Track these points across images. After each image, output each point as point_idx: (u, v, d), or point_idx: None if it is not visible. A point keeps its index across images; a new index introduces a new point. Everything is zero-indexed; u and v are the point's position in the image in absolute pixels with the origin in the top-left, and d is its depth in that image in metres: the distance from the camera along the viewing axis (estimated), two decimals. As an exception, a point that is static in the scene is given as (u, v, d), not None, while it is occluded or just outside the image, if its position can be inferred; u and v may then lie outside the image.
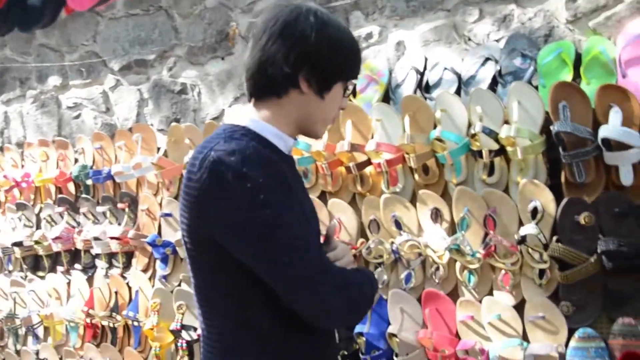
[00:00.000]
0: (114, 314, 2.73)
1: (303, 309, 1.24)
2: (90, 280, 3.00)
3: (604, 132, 1.92)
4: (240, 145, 1.22)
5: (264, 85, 1.32)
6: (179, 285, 2.67)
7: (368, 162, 2.32)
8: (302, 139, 2.39)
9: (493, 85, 2.23)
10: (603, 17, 2.13)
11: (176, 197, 2.75)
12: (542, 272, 2.04)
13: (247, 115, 1.34)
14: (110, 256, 2.92)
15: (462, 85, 2.27)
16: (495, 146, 2.11)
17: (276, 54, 1.28)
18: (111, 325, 2.76)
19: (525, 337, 2.02)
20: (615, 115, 1.93)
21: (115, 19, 3.18)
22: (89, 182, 2.99)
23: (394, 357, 2.27)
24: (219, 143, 1.23)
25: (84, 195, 3.05)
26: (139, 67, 3.14)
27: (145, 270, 2.79)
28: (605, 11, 2.12)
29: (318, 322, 1.28)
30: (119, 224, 2.89)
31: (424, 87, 2.33)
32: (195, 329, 2.53)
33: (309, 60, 1.28)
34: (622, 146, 1.92)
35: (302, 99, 1.31)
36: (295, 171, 1.45)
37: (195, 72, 2.98)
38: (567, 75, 2.11)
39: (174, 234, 2.66)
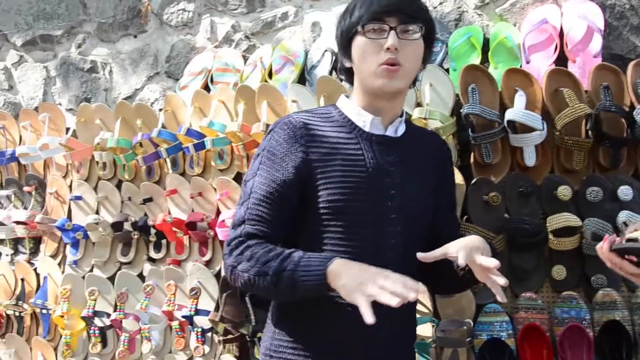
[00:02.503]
0: (20, 302, 2.61)
1: None
2: (-6, 268, 2.84)
3: (509, 114, 2.00)
4: (280, 120, 1.45)
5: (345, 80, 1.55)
6: (91, 270, 2.58)
7: (284, 144, 2.31)
8: (216, 119, 2.36)
9: (406, 68, 2.26)
10: (508, 4, 2.21)
11: (87, 180, 2.64)
12: (451, 250, 2.10)
13: (348, 98, 1.51)
14: (16, 242, 2.78)
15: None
16: (408, 128, 2.15)
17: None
18: (17, 314, 2.63)
19: (436, 315, 2.09)
20: (519, 99, 2.01)
21: (17, -9, 3.00)
22: (-8, 163, 2.82)
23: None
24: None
25: (-15, 178, 2.88)
26: (45, 43, 2.98)
27: (54, 256, 2.68)
28: (510, -2, 2.20)
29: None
30: (25, 208, 2.76)
31: (339, 69, 2.33)
32: (108, 315, 2.46)
33: (338, 44, 1.49)
34: (525, 128, 2.01)
35: (355, 72, 1.46)
36: (376, 146, 1.44)
37: (106, 50, 2.87)
38: (476, 59, 2.17)
39: (84, 218, 2.56)
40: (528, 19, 2.16)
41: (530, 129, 1.99)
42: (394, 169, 1.44)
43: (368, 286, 1.18)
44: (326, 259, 1.27)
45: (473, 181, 2.06)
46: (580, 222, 1.95)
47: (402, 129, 1.49)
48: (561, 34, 2.11)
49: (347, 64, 1.47)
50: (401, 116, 1.50)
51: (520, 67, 2.12)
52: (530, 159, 2.02)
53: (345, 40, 1.44)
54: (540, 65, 2.10)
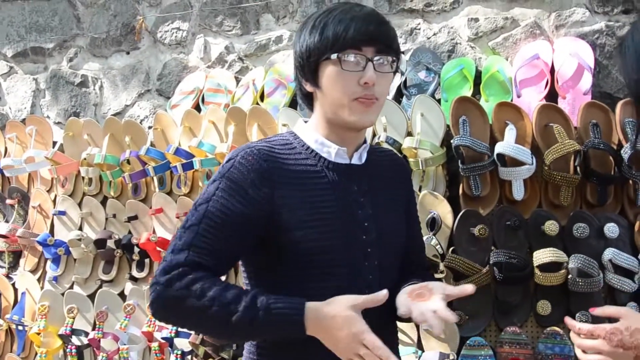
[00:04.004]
0: (-4, 317, 2.56)
1: None
2: (-29, 281, 2.78)
3: (499, 148, 2.00)
4: (239, 149, 1.30)
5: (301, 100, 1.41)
6: (71, 287, 2.53)
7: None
8: (206, 140, 2.34)
9: (398, 97, 2.28)
10: (501, 38, 2.23)
11: (71, 195, 2.61)
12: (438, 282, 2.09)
13: (307, 124, 1.39)
14: (-5, 255, 2.73)
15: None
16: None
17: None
18: (-8, 329, 2.58)
19: (419, 346, 2.07)
20: (510, 133, 2.02)
21: (10, 1, 2.98)
22: (-25, 175, 2.78)
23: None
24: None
25: (-32, 189, 2.84)
26: (36, 56, 2.96)
27: (34, 271, 2.63)
28: (503, 32, 2.23)
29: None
30: (7, 221, 2.71)
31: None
32: (86, 334, 2.41)
33: (297, 66, 1.35)
34: (515, 162, 2.01)
35: (318, 100, 1.34)
36: (342, 177, 1.33)
37: (97, 65, 2.85)
38: (468, 91, 2.19)
39: (67, 233, 2.52)
40: (520, 54, 2.18)
41: (520, 163, 2.00)
42: (364, 199, 1.34)
43: (348, 354, 1.17)
44: (295, 307, 1.19)
45: (461, 213, 2.06)
46: (567, 257, 1.95)
47: (365, 155, 1.40)
48: (552, 70, 2.13)
49: (309, 88, 1.34)
50: (364, 143, 1.40)
51: (512, 100, 2.14)
52: (518, 193, 2.03)
53: (312, 64, 1.29)
54: (531, 100, 2.12)
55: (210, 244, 1.23)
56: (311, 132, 1.36)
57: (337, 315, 1.18)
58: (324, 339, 1.20)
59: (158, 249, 2.33)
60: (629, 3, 2.14)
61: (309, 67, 1.30)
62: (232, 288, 1.21)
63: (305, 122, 1.40)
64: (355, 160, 1.37)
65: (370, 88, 1.27)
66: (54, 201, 2.64)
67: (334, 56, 1.26)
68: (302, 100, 1.39)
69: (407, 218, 1.47)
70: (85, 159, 2.50)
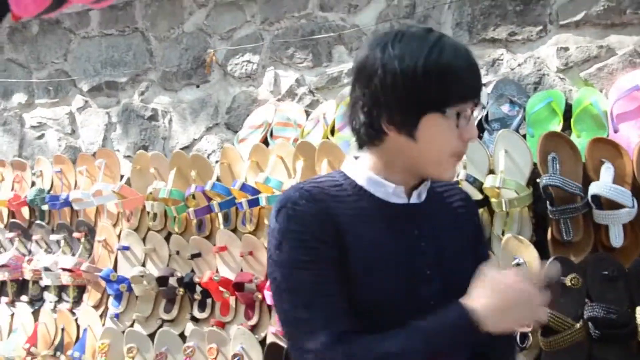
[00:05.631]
0: (58, 353, 2.52)
1: None
2: (36, 314, 2.78)
3: (594, 188, 1.81)
4: (288, 195, 1.14)
5: (356, 136, 1.18)
6: (132, 325, 2.47)
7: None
8: (273, 175, 2.25)
9: (478, 132, 2.11)
10: (595, 68, 2.04)
11: (136, 229, 2.56)
12: (523, 337, 1.89)
13: (357, 160, 1.21)
14: (61, 289, 2.72)
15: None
16: (479, 196, 1.98)
17: (356, 102, 1.15)
18: (54, 364, 2.54)
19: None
20: (606, 172, 1.83)
21: (89, 37, 3.04)
22: (45, 207, 2.80)
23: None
24: (287, 189, 1.17)
25: (38, 222, 2.85)
26: (110, 90, 2.98)
27: (96, 307, 2.59)
28: (597, 62, 2.04)
29: None
30: (73, 255, 2.69)
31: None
32: (145, 375, 2.33)
33: (382, 103, 1.10)
34: (612, 205, 1.81)
35: (398, 144, 1.13)
36: (400, 219, 1.17)
37: (167, 99, 2.84)
38: (557, 126, 2.01)
39: (130, 269, 2.47)
40: (617, 85, 1.98)
41: (618, 206, 1.79)
42: (426, 243, 1.18)
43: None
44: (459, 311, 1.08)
45: (550, 260, 1.85)
46: (677, 315, 1.71)
47: (424, 193, 1.21)
48: (655, 103, 1.92)
49: (389, 131, 1.12)
50: (427, 179, 1.21)
51: (607, 136, 1.93)
52: (617, 239, 1.82)
53: (415, 112, 1.10)
54: (631, 136, 1.91)
55: (333, 311, 1.09)
56: (364, 170, 1.18)
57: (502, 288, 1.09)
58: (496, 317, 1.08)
59: (221, 289, 2.24)
60: None
61: (407, 114, 1.10)
62: (389, 337, 1.08)
63: (356, 158, 1.22)
64: (414, 199, 1.19)
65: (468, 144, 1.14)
66: (119, 236, 2.60)
67: (450, 111, 1.09)
68: (364, 135, 1.16)
69: (474, 253, 1.27)
70: (150, 193, 2.46)
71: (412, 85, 1.08)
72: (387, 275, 1.12)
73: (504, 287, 1.08)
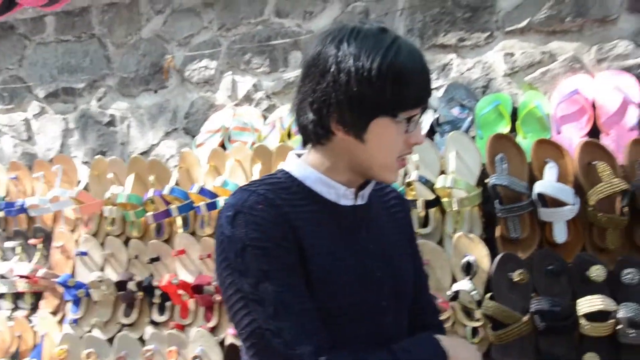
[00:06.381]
0: (14, 360, 2.49)
1: None
2: (-8, 322, 2.73)
3: (539, 187, 1.89)
4: (242, 198, 1.09)
5: (302, 133, 1.14)
6: (90, 331, 2.46)
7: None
8: (231, 179, 2.27)
9: (430, 134, 2.18)
10: (539, 73, 2.13)
11: (95, 235, 2.56)
12: (474, 331, 1.96)
13: (300, 158, 1.16)
14: (17, 296, 2.68)
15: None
16: (431, 196, 2.05)
17: (304, 98, 1.10)
18: (11, 373, 2.51)
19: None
20: (550, 171, 1.91)
21: (44, 43, 3.02)
22: (0, 214, 2.76)
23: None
24: (236, 192, 1.12)
25: (-7, 229, 2.81)
26: (67, 96, 2.96)
27: (54, 313, 2.57)
28: (540, 67, 2.13)
29: None
30: (30, 262, 2.66)
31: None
32: (104, 380, 2.32)
33: (333, 102, 1.06)
34: (556, 202, 1.89)
35: (345, 144, 1.10)
36: (349, 221, 1.15)
37: (126, 104, 2.84)
38: (505, 128, 2.08)
39: (89, 275, 2.46)
40: (559, 89, 2.08)
41: (562, 203, 1.87)
42: (373, 245, 1.16)
43: None
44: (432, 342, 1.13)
45: (499, 257, 1.92)
46: (615, 306, 1.79)
47: (367, 194, 1.19)
48: (594, 105, 2.01)
49: (338, 132, 1.09)
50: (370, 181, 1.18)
51: (551, 138, 2.02)
52: (560, 236, 1.90)
53: (366, 115, 1.07)
54: (572, 137, 2.00)
55: (307, 329, 1.06)
56: (311, 170, 1.14)
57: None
58: None
59: (179, 291, 2.25)
60: (675, 35, 2.03)
61: (358, 116, 1.07)
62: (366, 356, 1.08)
63: (298, 155, 1.17)
64: (359, 201, 1.17)
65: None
66: (77, 241, 2.59)
67: (402, 116, 1.07)
68: (311, 133, 1.11)
69: (413, 257, 1.29)
70: (109, 198, 2.46)
71: (366, 87, 1.04)
72: (343, 281, 1.10)
73: None
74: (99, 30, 2.88)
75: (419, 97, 1.08)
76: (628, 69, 2.03)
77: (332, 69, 1.05)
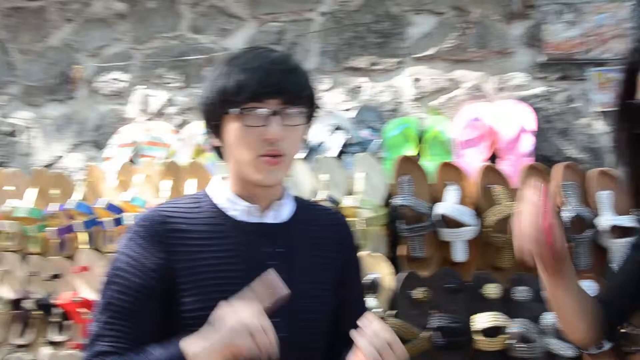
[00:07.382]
0: None
1: None
2: None
3: (440, 208, 1.96)
4: (142, 216, 1.21)
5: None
6: (-18, 352, 2.32)
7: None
8: (140, 194, 2.23)
9: (340, 155, 2.23)
10: (444, 98, 2.24)
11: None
12: (376, 347, 2.00)
13: (223, 180, 1.24)
14: None
15: (310, 152, 2.25)
16: (339, 215, 2.08)
17: None
18: None
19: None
20: (451, 193, 1.99)
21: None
22: None
23: None
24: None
25: None
26: (-35, 103, 2.82)
27: (-58, 333, 2.40)
28: (445, 93, 2.24)
29: None
30: None
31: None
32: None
33: (202, 113, 1.21)
34: (457, 223, 1.97)
35: (226, 154, 1.21)
36: (245, 240, 1.19)
37: (30, 114, 2.73)
38: (411, 150, 2.16)
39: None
40: (461, 115, 2.18)
41: (461, 224, 1.96)
42: (276, 262, 1.18)
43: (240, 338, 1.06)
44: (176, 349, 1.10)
45: (400, 275, 1.98)
46: (507, 321, 1.88)
47: (287, 213, 1.24)
48: (493, 131, 2.13)
49: (216, 143, 1.21)
50: (280, 199, 1.24)
51: (453, 161, 2.12)
52: (460, 255, 1.98)
53: (215, 117, 1.17)
54: (473, 161, 2.10)
55: (117, 330, 1.14)
56: (223, 189, 1.23)
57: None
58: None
59: (79, 310, 2.16)
60: (566, 70, 2.18)
61: (210, 120, 1.19)
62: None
63: (224, 178, 1.26)
64: (269, 219, 1.22)
65: (275, 144, 1.15)
66: (-29, 257, 2.44)
67: (235, 111, 1.14)
68: (216, 155, 1.25)
69: (342, 284, 1.28)
70: (6, 211, 2.34)
71: (210, 88, 1.16)
72: (225, 290, 1.13)
73: (221, 325, 1.07)
74: (4, 34, 2.77)
75: (251, 92, 1.13)
76: (525, 99, 2.16)
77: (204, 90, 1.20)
